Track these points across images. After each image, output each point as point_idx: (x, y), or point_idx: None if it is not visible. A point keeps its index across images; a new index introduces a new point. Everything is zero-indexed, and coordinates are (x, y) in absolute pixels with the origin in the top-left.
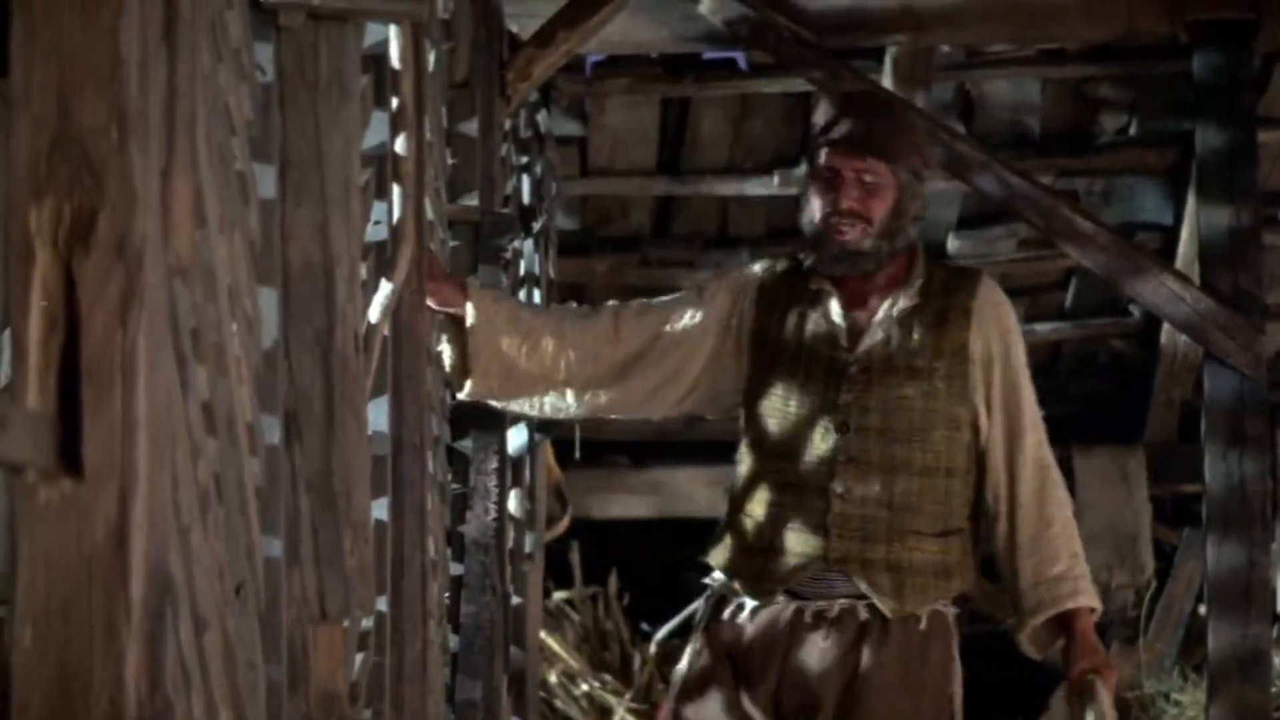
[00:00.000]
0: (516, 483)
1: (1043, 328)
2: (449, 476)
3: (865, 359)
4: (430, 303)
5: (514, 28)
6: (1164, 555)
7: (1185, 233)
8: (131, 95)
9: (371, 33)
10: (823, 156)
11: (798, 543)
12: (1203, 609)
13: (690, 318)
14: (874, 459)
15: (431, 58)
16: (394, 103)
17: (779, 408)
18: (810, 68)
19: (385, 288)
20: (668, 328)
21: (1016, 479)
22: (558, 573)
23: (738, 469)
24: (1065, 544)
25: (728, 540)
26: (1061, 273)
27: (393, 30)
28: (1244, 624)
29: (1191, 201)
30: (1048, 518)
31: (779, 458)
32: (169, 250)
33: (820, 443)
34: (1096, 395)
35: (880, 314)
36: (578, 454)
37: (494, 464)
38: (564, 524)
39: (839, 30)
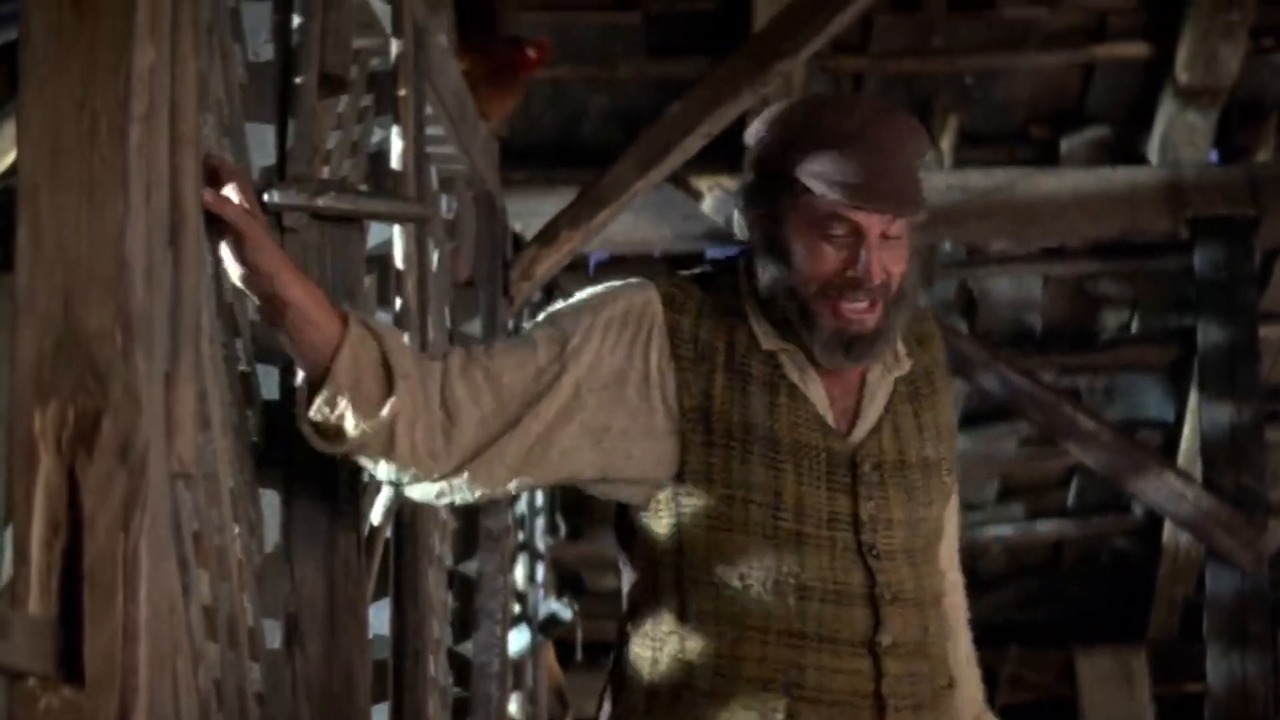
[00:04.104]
0: (518, 685)
1: (1044, 526)
2: (450, 680)
3: (875, 452)
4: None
5: (518, 226)
6: None
7: (1187, 429)
8: (137, 299)
9: (375, 233)
10: (827, 193)
11: None
12: None
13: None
14: (909, 593)
15: (435, 257)
16: (398, 303)
17: (763, 521)
18: None
19: (388, 490)
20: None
21: (950, 586)
22: None
23: (658, 605)
24: (975, 668)
25: None
26: (1063, 471)
27: (396, 231)
28: None
29: (1193, 398)
30: (968, 636)
31: (777, 599)
32: (172, 454)
33: (847, 575)
34: (1098, 594)
35: (872, 386)
36: (579, 655)
37: (495, 667)
38: None
39: None
